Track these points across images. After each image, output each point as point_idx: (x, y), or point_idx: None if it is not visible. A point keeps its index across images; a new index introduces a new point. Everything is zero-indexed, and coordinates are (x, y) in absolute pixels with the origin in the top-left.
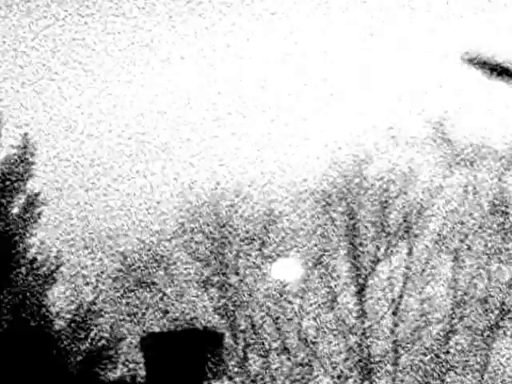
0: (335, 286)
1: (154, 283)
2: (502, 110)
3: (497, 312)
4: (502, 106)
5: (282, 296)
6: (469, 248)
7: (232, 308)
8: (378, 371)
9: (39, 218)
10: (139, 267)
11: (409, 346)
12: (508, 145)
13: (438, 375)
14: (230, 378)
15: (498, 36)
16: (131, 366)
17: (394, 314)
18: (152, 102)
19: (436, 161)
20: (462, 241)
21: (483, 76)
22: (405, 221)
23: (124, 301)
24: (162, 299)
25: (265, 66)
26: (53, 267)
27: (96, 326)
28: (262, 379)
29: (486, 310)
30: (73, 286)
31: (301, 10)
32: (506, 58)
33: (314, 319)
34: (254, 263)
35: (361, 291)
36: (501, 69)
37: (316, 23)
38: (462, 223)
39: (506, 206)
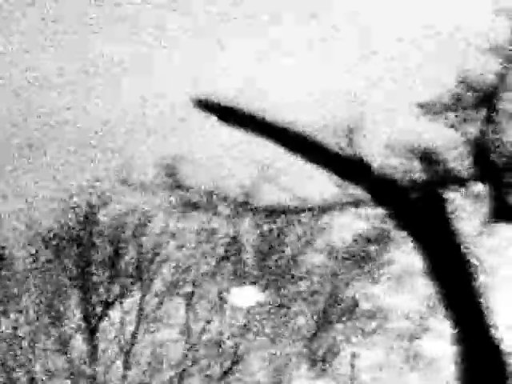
0: (67, 329)
1: None
2: (237, 154)
3: (230, 356)
4: (238, 150)
5: (12, 340)
6: (202, 293)
7: None
8: None
9: None
10: None
11: None
12: (241, 189)
13: None
14: None
15: (228, 79)
16: None
17: (126, 358)
18: None
19: (170, 206)
20: (195, 285)
21: (214, 120)
22: (138, 265)
23: None
24: None
25: None
26: None
27: None
28: None
29: (219, 354)
30: None
31: None
32: (236, 102)
33: (46, 363)
34: None
35: (92, 335)
36: (230, 113)
37: None
38: (196, 268)
39: (239, 252)
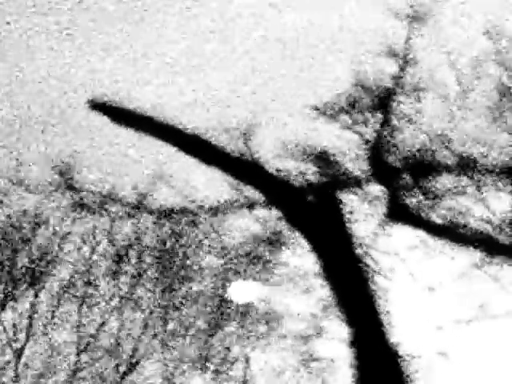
0: None
1: None
2: (132, 155)
3: (126, 360)
4: (133, 151)
5: None
6: (97, 295)
7: None
8: None
9: None
10: None
11: None
12: (136, 191)
13: None
14: None
15: (124, 82)
16: None
17: (19, 360)
18: None
19: (64, 207)
20: (90, 287)
21: (110, 121)
22: (32, 267)
23: None
24: None
25: None
26: None
27: None
28: None
29: (116, 357)
30: None
31: None
32: (132, 105)
33: None
34: None
35: None
36: (125, 115)
37: None
38: (92, 270)
39: (133, 253)
